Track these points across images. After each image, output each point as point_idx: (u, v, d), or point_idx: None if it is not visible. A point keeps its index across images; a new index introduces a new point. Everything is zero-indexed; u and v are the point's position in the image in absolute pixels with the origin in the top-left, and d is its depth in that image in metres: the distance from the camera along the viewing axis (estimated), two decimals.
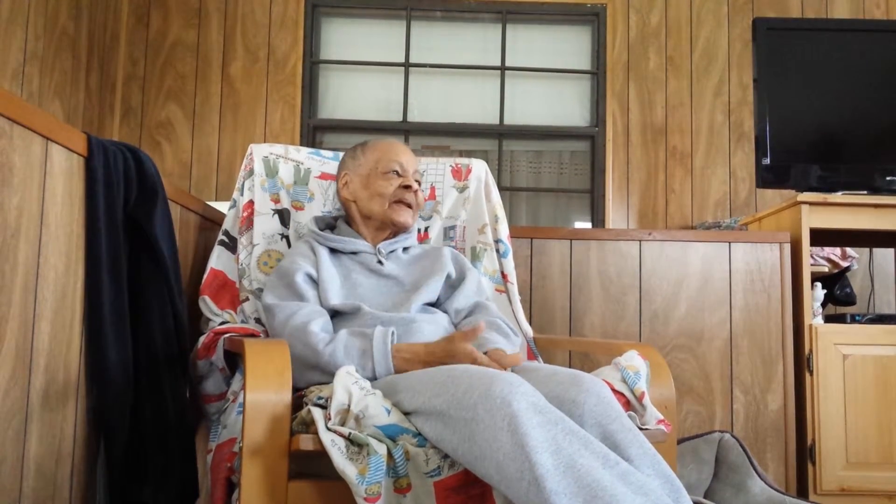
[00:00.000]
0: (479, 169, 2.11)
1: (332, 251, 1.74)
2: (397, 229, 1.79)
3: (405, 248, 1.83)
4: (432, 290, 1.72)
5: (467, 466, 1.14)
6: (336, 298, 1.63)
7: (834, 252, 3.21)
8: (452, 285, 1.78)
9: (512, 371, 1.46)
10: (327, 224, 1.86)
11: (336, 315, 1.63)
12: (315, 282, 1.66)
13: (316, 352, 1.46)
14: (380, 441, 1.18)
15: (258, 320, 1.78)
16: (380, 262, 1.74)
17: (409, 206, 1.77)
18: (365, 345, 1.46)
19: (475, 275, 1.83)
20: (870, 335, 2.32)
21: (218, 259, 1.86)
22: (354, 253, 1.75)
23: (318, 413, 1.21)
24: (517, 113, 4.03)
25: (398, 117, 3.98)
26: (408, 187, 1.76)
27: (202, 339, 1.69)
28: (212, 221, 2.01)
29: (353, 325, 1.58)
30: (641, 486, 1.07)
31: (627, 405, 1.42)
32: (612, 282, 2.37)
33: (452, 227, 2.06)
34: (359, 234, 1.79)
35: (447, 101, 4.03)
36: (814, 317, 2.45)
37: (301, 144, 3.84)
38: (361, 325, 1.58)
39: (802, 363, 2.34)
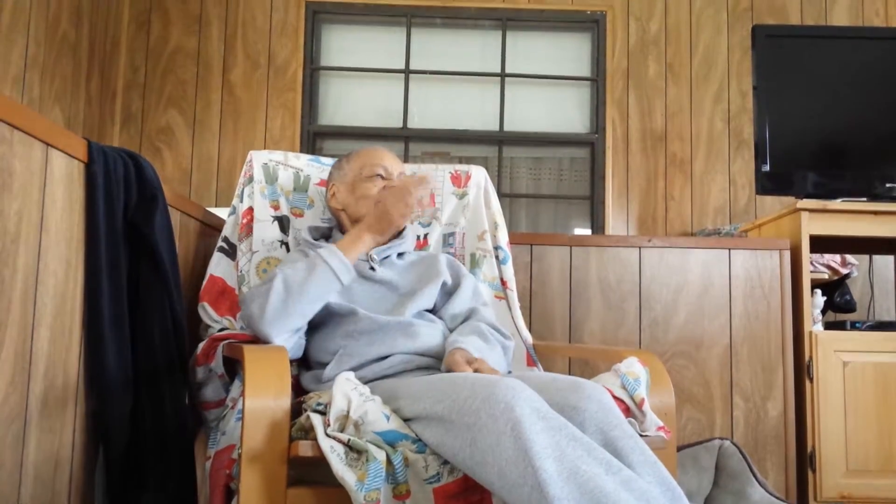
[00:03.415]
0: (479, 175, 2.11)
1: None
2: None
3: (400, 254, 1.82)
4: (428, 297, 1.71)
5: (467, 472, 1.13)
6: (331, 300, 1.64)
7: (834, 259, 3.21)
8: (448, 292, 1.78)
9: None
10: (322, 234, 1.86)
11: (331, 317, 1.63)
12: None
13: (269, 285, 1.52)
14: (379, 447, 1.17)
15: None
16: (372, 268, 1.74)
17: None
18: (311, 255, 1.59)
19: (471, 280, 1.82)
20: (870, 342, 2.32)
21: (217, 265, 1.86)
22: None
23: (316, 419, 1.21)
24: (517, 120, 4.03)
25: (398, 124, 3.98)
26: None
27: (201, 345, 1.69)
28: (212, 228, 2.02)
29: (349, 328, 1.60)
30: (644, 493, 1.07)
31: (627, 412, 1.42)
32: (612, 288, 2.37)
33: (452, 234, 2.06)
34: None
35: (447, 107, 4.04)
36: (814, 324, 2.45)
37: (301, 151, 3.85)
38: (358, 328, 1.59)
39: (802, 370, 2.33)
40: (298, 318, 1.53)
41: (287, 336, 1.53)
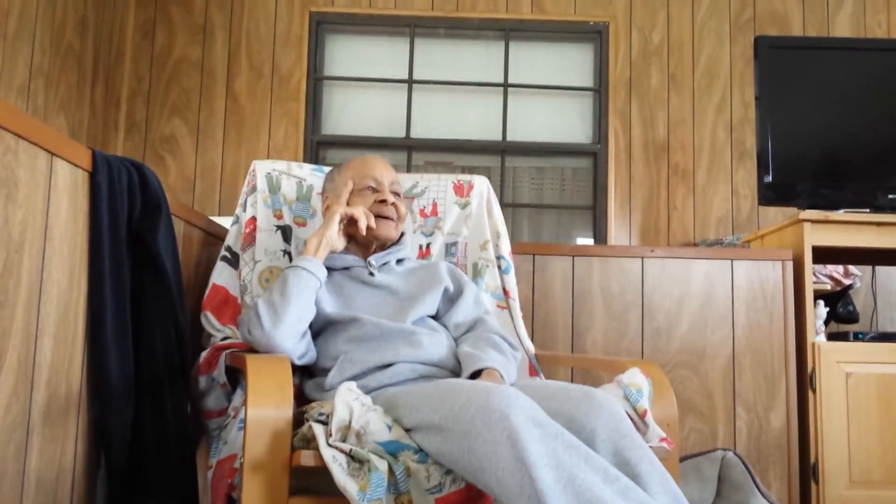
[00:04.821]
0: (481, 185, 2.12)
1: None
2: (381, 243, 1.79)
3: (399, 261, 1.83)
4: (430, 304, 1.72)
5: (468, 478, 1.13)
6: (331, 309, 1.64)
7: (836, 270, 3.21)
8: (451, 299, 1.78)
9: (520, 388, 1.46)
10: None
11: (332, 325, 1.63)
12: None
13: (254, 309, 1.53)
14: (381, 457, 1.17)
15: None
16: (371, 273, 1.74)
17: (391, 218, 1.77)
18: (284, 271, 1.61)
19: (473, 288, 1.83)
20: (873, 353, 2.31)
21: (220, 275, 1.86)
22: (346, 268, 1.75)
23: (319, 429, 1.21)
24: (520, 129, 4.04)
25: (401, 133, 3.99)
26: (384, 202, 1.76)
27: (203, 354, 1.69)
28: (215, 237, 2.02)
29: (352, 333, 1.60)
30: (642, 502, 1.07)
31: None
32: (615, 299, 2.37)
33: (454, 244, 2.07)
34: (348, 250, 1.79)
35: (450, 117, 4.05)
36: (816, 335, 2.44)
37: (304, 160, 3.85)
38: (360, 334, 1.60)
39: (805, 381, 2.33)
40: (295, 321, 1.53)
41: (294, 343, 1.54)
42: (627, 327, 2.36)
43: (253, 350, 1.59)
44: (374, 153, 3.73)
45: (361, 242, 1.78)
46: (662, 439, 1.41)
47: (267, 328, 1.50)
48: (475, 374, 1.52)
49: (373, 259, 1.76)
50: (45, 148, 1.29)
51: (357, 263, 1.75)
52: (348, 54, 4.08)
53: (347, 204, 1.76)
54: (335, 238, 1.67)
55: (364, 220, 1.68)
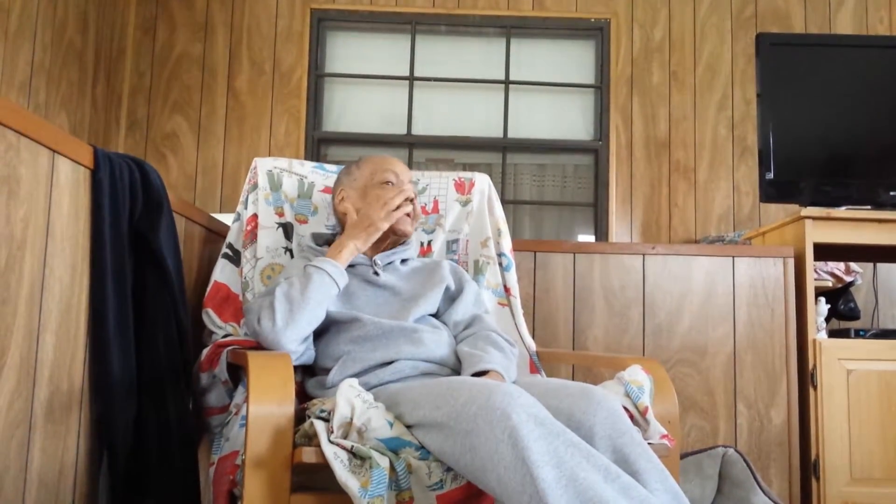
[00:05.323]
0: (483, 183, 2.12)
1: None
2: (397, 238, 1.79)
3: (404, 261, 1.83)
4: (431, 302, 1.72)
5: (469, 478, 1.14)
6: (333, 308, 1.65)
7: (838, 267, 3.21)
8: (451, 297, 1.79)
9: (521, 385, 1.46)
10: (325, 240, 1.86)
11: (335, 324, 1.63)
12: None
13: (270, 298, 1.52)
14: (382, 454, 1.18)
15: None
16: (376, 273, 1.74)
17: (408, 213, 1.78)
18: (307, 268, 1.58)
19: (473, 287, 1.83)
20: (874, 350, 2.31)
21: (221, 272, 1.87)
22: (351, 266, 1.75)
23: (320, 426, 1.21)
24: (521, 126, 4.04)
25: (402, 130, 3.99)
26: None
27: (205, 351, 1.70)
28: (216, 234, 2.02)
29: (354, 333, 1.60)
30: (643, 500, 1.07)
31: (631, 420, 1.42)
32: (616, 296, 2.37)
33: (455, 241, 2.07)
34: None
35: (451, 114, 4.05)
36: (817, 331, 2.44)
37: (305, 157, 3.86)
38: (362, 334, 1.60)
39: (806, 378, 2.33)
40: (306, 325, 1.53)
41: (297, 345, 1.54)
42: (629, 324, 2.36)
43: (254, 346, 1.59)
44: (377, 151, 3.74)
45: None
46: (663, 436, 1.42)
47: (279, 326, 1.49)
48: (476, 376, 1.53)
49: (378, 258, 1.77)
50: (47, 145, 1.30)
51: (363, 261, 1.75)
52: (350, 51, 4.08)
53: (365, 196, 1.77)
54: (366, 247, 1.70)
55: (406, 219, 1.74)
